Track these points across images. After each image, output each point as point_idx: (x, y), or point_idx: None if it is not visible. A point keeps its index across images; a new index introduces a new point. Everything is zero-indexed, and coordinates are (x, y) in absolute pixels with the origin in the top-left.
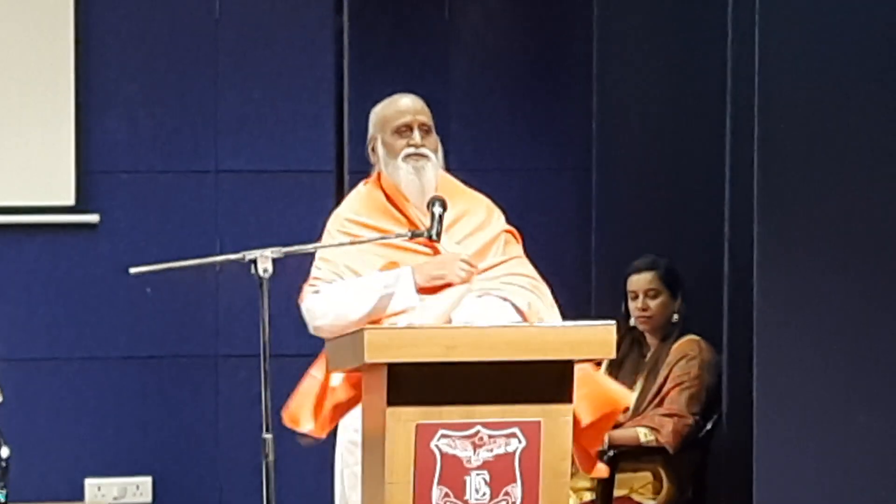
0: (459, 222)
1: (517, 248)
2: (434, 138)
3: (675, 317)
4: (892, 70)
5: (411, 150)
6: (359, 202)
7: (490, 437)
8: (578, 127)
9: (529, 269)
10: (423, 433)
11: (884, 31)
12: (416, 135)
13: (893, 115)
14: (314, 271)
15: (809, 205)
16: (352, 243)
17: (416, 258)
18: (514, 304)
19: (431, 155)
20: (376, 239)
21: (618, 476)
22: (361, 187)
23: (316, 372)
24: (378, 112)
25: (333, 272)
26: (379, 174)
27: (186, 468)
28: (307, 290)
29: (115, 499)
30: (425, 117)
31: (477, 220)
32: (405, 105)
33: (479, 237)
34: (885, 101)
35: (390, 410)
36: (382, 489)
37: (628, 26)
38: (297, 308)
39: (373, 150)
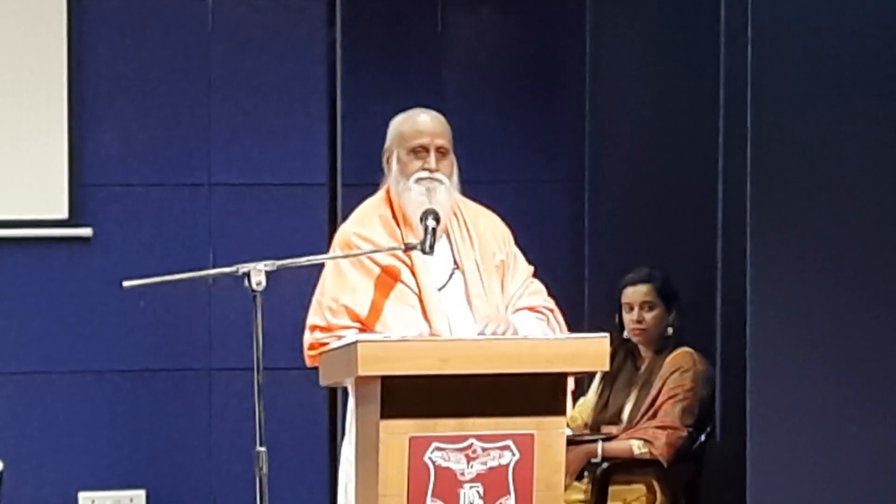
0: (482, 248)
1: (526, 271)
2: (450, 161)
3: (670, 330)
4: (886, 82)
5: (425, 174)
6: (366, 219)
7: (484, 449)
8: (571, 139)
9: (544, 295)
10: (417, 446)
11: (878, 41)
12: (432, 158)
13: (887, 127)
14: (328, 317)
15: (802, 217)
16: (345, 256)
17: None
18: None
19: (445, 179)
20: (368, 252)
21: (611, 488)
22: (368, 204)
23: None
24: (397, 125)
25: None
26: (388, 191)
27: (180, 481)
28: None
29: None
30: (443, 140)
31: (492, 247)
32: (424, 125)
33: (495, 262)
34: (879, 113)
35: (384, 423)
36: (376, 502)
37: (621, 39)
38: (291, 322)
39: (387, 161)
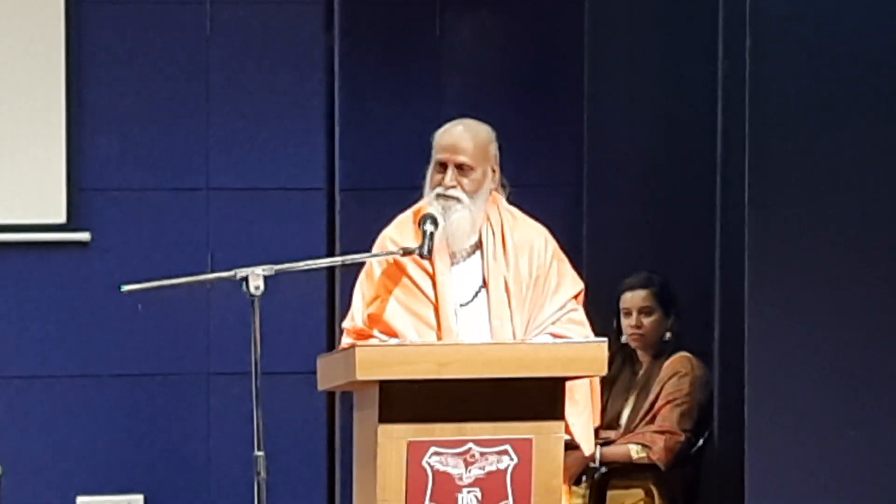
0: (516, 267)
1: (569, 292)
2: (476, 178)
3: (668, 335)
4: (886, 82)
5: (440, 190)
6: (403, 225)
7: (482, 454)
8: (570, 143)
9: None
10: (415, 450)
11: (878, 41)
12: (449, 176)
13: (885, 134)
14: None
15: (800, 223)
16: (343, 262)
17: (410, 293)
18: None
19: (464, 197)
20: (370, 256)
21: (609, 493)
22: (411, 210)
23: None
24: (436, 136)
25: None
26: None
27: (178, 486)
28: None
29: None
30: (466, 157)
31: (528, 266)
32: (449, 141)
33: (531, 276)
34: (877, 120)
35: (382, 428)
36: None
37: (619, 44)
38: (290, 326)
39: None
